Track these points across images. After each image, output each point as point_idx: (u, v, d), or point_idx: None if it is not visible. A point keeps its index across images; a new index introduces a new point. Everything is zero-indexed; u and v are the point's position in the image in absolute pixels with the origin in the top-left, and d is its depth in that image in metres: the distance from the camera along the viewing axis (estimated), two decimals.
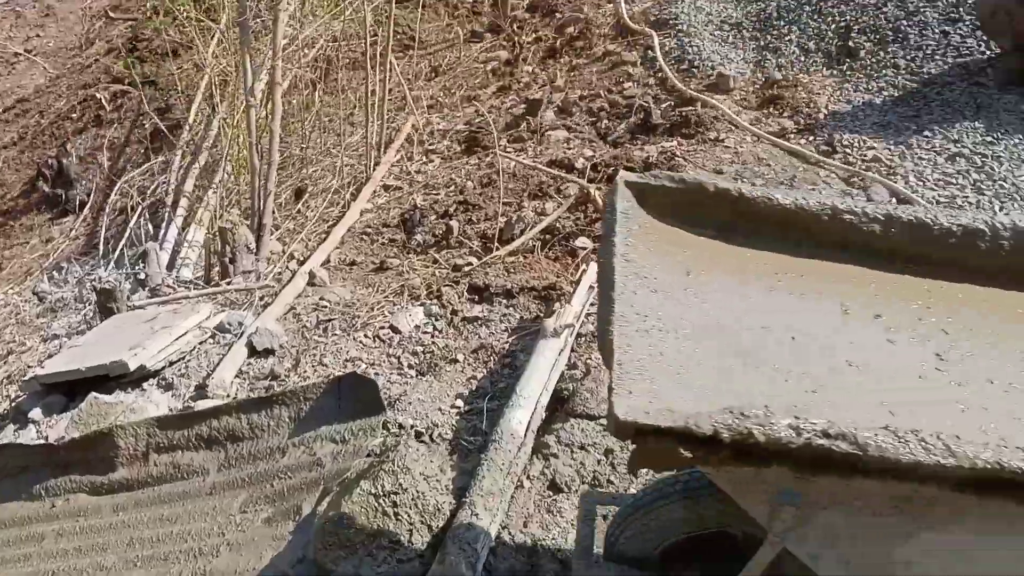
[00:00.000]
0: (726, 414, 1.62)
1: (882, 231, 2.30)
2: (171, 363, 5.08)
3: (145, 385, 5.00)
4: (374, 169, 7.09)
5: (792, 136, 6.01)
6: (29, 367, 5.87)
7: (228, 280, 6.06)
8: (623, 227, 2.24)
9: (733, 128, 6.17)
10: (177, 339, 5.19)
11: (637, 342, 1.93)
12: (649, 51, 7.37)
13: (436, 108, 8.03)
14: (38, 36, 12.24)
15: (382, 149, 7.28)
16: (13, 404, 5.19)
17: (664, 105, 6.65)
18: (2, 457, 3.97)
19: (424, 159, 7.33)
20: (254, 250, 6.28)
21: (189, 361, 5.16)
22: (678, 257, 2.29)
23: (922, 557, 1.85)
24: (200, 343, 5.30)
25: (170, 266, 6.95)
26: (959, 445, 1.55)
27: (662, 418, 1.63)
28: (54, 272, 7.85)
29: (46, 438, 4.65)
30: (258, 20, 7.69)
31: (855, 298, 2.21)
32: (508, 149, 6.91)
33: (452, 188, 6.54)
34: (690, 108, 6.43)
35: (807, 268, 2.33)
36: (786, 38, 6.94)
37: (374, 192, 6.93)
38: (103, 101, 9.62)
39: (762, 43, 6.99)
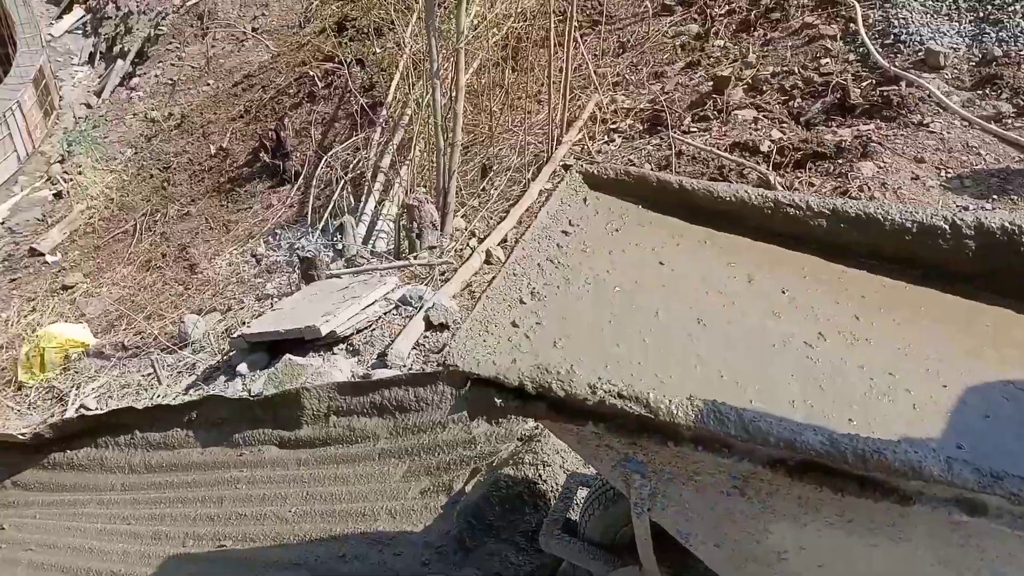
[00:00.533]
0: (533, 369, 1.70)
1: (830, 225, 2.22)
2: (358, 331, 5.50)
3: (335, 349, 5.45)
4: (556, 148, 7.19)
5: (1010, 121, 5.40)
6: (244, 322, 6.59)
7: (414, 254, 6.45)
8: (555, 212, 2.33)
9: (941, 111, 5.65)
10: (365, 308, 5.59)
11: (520, 307, 2.02)
12: (851, 24, 6.87)
13: (621, 85, 7.97)
14: (263, 15, 13.42)
15: (564, 128, 7.36)
16: (226, 358, 5.86)
17: (864, 84, 6.20)
18: (206, 408, 4.51)
19: (606, 138, 7.33)
20: (439, 227, 6.62)
21: (374, 330, 5.55)
22: (619, 232, 2.33)
23: (796, 550, 1.79)
24: (385, 313, 5.67)
25: (367, 238, 7.49)
26: (755, 421, 1.51)
27: (483, 368, 1.75)
28: (270, 237, 8.71)
29: (249, 391, 5.23)
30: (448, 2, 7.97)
31: (787, 283, 2.16)
32: (692, 129, 6.75)
33: None
34: (893, 88, 5.95)
35: (747, 255, 2.27)
36: (1010, 8, 6.19)
37: (553, 172, 7.04)
38: (316, 78, 10.41)
39: (981, 14, 6.29)
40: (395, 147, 8.21)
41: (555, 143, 7.24)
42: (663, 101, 7.08)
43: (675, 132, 6.42)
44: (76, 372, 7.08)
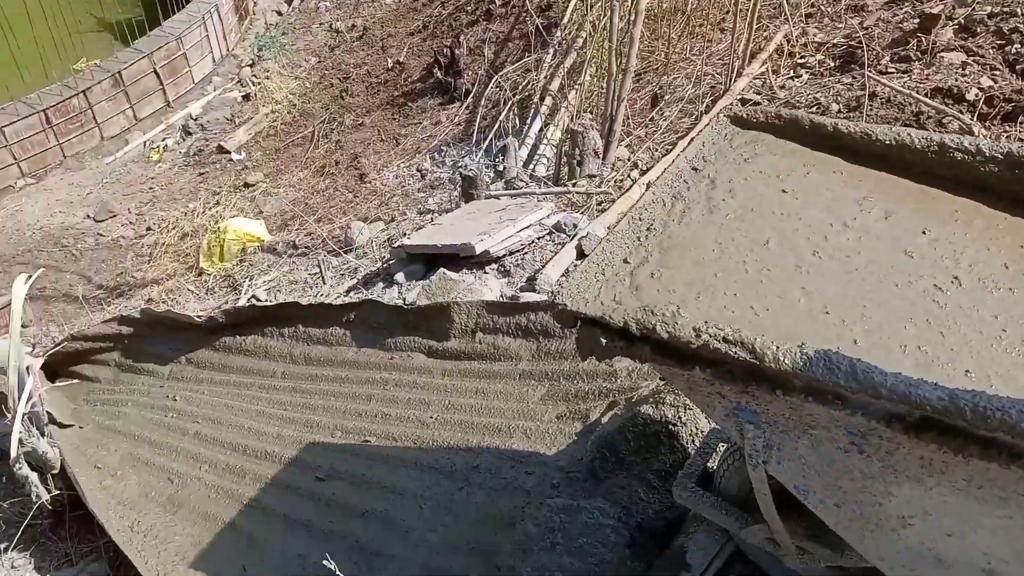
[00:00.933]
0: (639, 310, 1.67)
1: (1003, 171, 1.97)
2: (511, 253, 5.54)
3: (487, 269, 5.54)
4: (735, 81, 6.81)
5: None
6: (404, 234, 6.80)
7: (573, 182, 6.37)
8: (692, 156, 2.24)
9: None
10: (519, 231, 5.62)
11: (637, 247, 1.96)
12: None
13: (815, 17, 7.40)
14: None
15: (746, 59, 6.94)
16: (385, 266, 6.09)
17: None
18: (364, 310, 4.70)
19: (791, 73, 6.86)
20: (601, 155, 6.49)
21: (526, 254, 5.58)
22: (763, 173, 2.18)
23: (922, 516, 1.64)
24: (538, 238, 5.68)
25: (528, 161, 7.47)
26: (866, 372, 1.39)
27: (589, 308, 1.75)
28: (435, 153, 8.86)
29: (404, 299, 5.42)
30: None
31: (931, 223, 1.95)
32: (890, 70, 6.19)
33: (815, 110, 6.07)
34: None
35: (892, 189, 2.06)
36: None
37: (729, 105, 6.69)
38: None
39: None
40: (566, 70, 8.05)
41: (735, 75, 6.86)
42: (861, 36, 6.51)
43: (871, 71, 5.90)
44: (251, 264, 7.60)
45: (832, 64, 6.63)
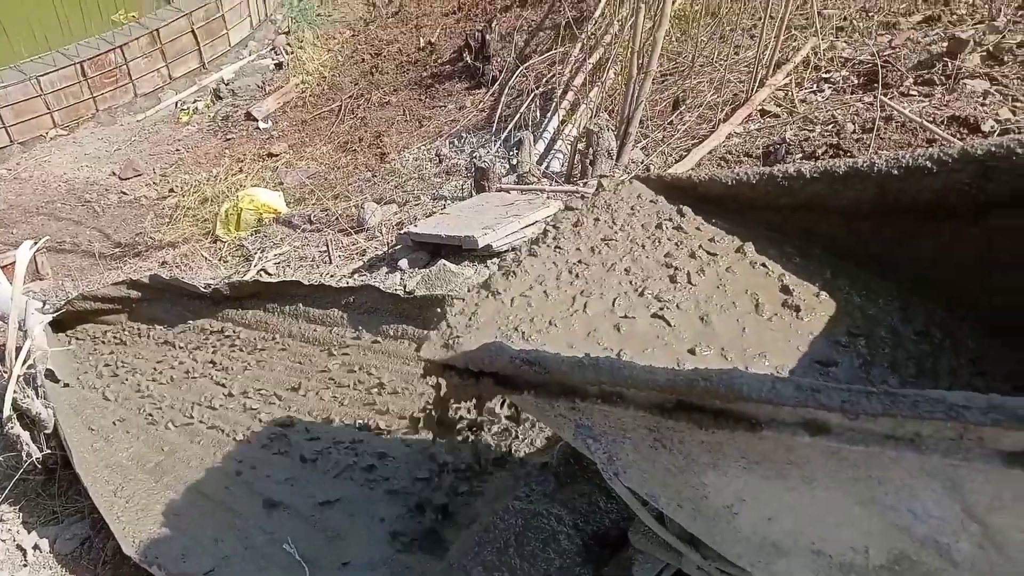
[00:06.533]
0: (471, 350, 1.82)
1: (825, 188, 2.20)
2: (513, 249, 5.60)
3: (489, 263, 5.61)
4: (756, 91, 6.79)
5: None
6: (415, 218, 6.88)
7: (584, 181, 6.40)
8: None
9: None
10: (523, 227, 5.68)
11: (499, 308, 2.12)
12: None
13: (846, 31, 7.33)
14: None
15: (771, 69, 6.91)
16: (391, 251, 6.18)
17: None
18: (363, 295, 4.77)
19: (814, 88, 6.82)
20: (615, 156, 6.51)
21: None
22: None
23: (739, 503, 1.72)
24: None
25: (543, 156, 7.50)
26: (618, 368, 1.55)
27: (437, 354, 1.89)
28: (455, 139, 8.92)
29: (404, 287, 5.51)
30: None
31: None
32: (912, 92, 6.14)
33: (831, 127, 6.04)
34: None
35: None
36: None
37: (749, 116, 6.68)
38: None
39: None
40: (590, 67, 8.05)
41: (757, 84, 6.84)
42: (885, 56, 6.45)
43: (884, 95, 5.86)
44: (265, 236, 7.72)
45: (856, 81, 6.58)
